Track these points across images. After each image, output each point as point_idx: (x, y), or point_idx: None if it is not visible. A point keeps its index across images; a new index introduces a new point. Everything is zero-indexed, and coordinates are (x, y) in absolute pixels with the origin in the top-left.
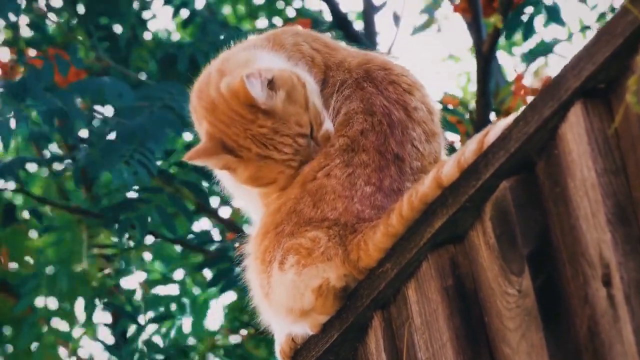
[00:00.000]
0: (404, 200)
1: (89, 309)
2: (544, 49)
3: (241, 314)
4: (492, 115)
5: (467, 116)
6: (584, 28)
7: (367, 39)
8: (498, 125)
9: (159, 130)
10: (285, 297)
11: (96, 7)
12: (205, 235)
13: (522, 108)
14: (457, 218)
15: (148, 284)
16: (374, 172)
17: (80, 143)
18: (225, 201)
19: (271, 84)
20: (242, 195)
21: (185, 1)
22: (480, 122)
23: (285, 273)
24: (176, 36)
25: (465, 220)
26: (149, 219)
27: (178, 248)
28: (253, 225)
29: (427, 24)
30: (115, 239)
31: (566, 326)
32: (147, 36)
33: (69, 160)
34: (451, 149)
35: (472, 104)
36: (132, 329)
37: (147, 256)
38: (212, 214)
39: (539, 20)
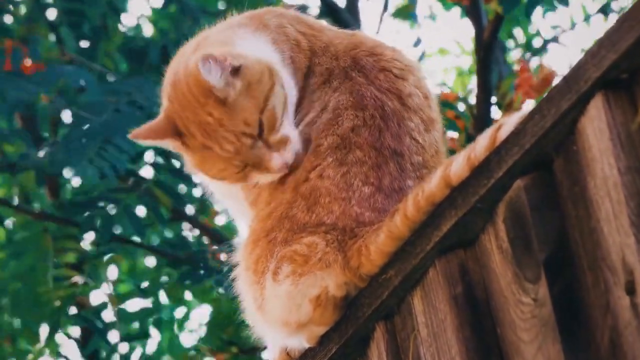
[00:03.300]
0: (409, 200)
1: (52, 328)
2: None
3: (221, 331)
4: (495, 110)
5: (466, 111)
6: (588, 17)
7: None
8: (511, 119)
9: (125, 127)
10: (281, 309)
11: None
12: (181, 241)
13: (526, 100)
14: (467, 220)
15: (118, 298)
16: (371, 171)
17: (42, 140)
18: (204, 208)
19: (236, 72)
20: (226, 198)
21: None
22: (481, 117)
23: (280, 284)
24: (148, 29)
25: (476, 223)
26: (118, 221)
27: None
28: (240, 231)
29: (406, 9)
30: (82, 246)
31: (586, 338)
32: (120, 28)
33: (31, 159)
34: (451, 152)
35: (473, 98)
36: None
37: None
38: (189, 219)
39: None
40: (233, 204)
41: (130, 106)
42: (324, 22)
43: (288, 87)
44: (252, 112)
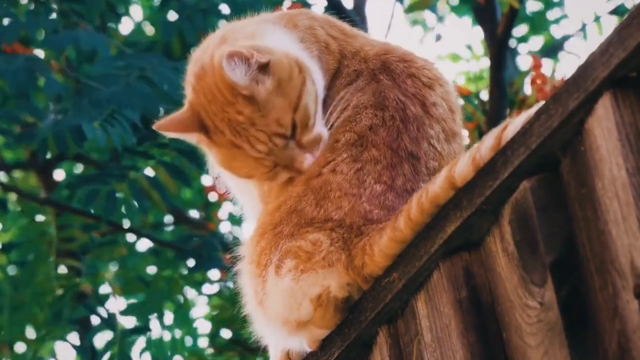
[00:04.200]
0: (413, 202)
1: (56, 315)
2: (553, 45)
3: (227, 325)
4: (507, 108)
5: (479, 107)
6: (598, 18)
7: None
8: (518, 119)
9: (135, 101)
10: (281, 305)
11: None
12: (184, 239)
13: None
14: (472, 222)
15: (122, 289)
16: (385, 170)
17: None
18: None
19: (264, 68)
20: (241, 194)
21: None
22: (494, 114)
23: (282, 278)
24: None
25: (481, 225)
26: (122, 202)
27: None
28: (250, 225)
29: (421, 3)
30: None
31: (593, 342)
32: (121, 28)
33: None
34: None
35: (485, 95)
36: (101, 341)
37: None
38: (191, 222)
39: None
40: (247, 200)
41: (142, 81)
42: (357, 30)
43: (317, 81)
44: (285, 112)
